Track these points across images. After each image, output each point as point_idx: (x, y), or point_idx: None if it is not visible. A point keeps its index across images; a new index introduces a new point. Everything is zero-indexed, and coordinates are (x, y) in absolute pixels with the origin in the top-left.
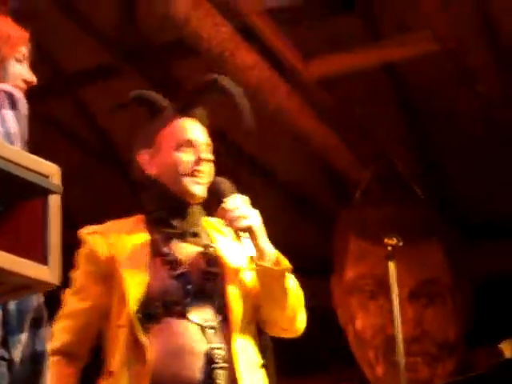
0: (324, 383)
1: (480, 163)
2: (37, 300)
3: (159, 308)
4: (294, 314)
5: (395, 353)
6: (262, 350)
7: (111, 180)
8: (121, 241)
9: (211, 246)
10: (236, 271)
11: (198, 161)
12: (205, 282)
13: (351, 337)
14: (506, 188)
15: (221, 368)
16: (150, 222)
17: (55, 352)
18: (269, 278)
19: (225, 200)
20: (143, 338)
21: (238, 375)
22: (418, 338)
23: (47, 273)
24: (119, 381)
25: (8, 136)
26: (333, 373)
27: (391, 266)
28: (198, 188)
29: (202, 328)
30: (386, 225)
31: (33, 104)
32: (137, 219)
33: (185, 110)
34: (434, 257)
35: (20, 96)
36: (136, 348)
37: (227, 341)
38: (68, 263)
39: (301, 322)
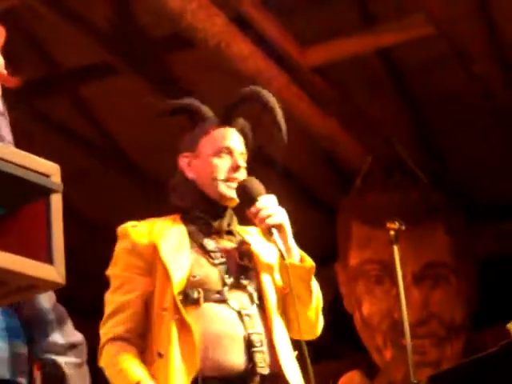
0: (332, 369)
1: (481, 146)
2: (50, 301)
3: (200, 293)
4: (316, 316)
5: (403, 336)
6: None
7: (110, 176)
8: (161, 232)
9: (245, 243)
10: (269, 267)
11: (235, 167)
12: (239, 274)
13: (358, 322)
14: (508, 170)
15: (260, 352)
16: (188, 220)
17: (113, 339)
18: (296, 276)
19: (258, 199)
20: (188, 319)
21: (279, 357)
22: (425, 320)
23: (53, 272)
24: (170, 361)
25: None
26: (340, 359)
27: (395, 249)
28: (233, 192)
29: (240, 314)
30: (389, 209)
31: (29, 101)
32: (174, 217)
33: (226, 120)
34: (438, 239)
35: None
36: (182, 328)
37: (265, 327)
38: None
39: (320, 325)
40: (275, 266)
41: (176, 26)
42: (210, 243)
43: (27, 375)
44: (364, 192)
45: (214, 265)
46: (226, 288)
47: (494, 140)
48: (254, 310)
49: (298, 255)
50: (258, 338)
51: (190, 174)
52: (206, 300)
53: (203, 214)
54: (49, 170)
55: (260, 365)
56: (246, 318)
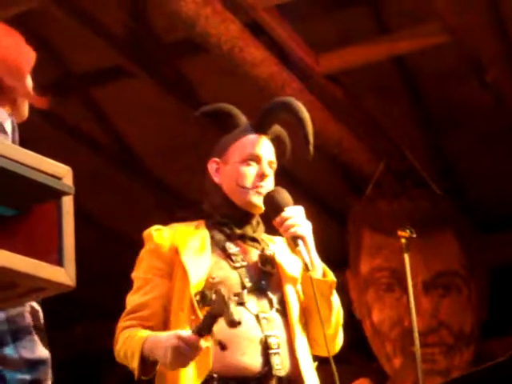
0: (341, 377)
1: (492, 155)
2: (7, 311)
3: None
4: (335, 332)
5: (412, 345)
6: None
7: (121, 179)
8: (184, 235)
9: (268, 250)
10: (292, 278)
11: (261, 175)
12: (260, 280)
13: (368, 330)
14: None
15: (277, 354)
16: (211, 224)
17: (128, 327)
18: (317, 291)
19: (284, 209)
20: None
21: (299, 363)
22: (435, 328)
23: (63, 274)
24: None
25: None
26: (350, 366)
27: (406, 258)
28: (260, 200)
29: (257, 317)
30: (400, 217)
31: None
32: (198, 223)
33: (258, 126)
34: (449, 248)
35: (3, 117)
36: None
37: (286, 331)
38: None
39: (339, 341)
40: (298, 278)
41: (190, 31)
42: (231, 246)
43: None
44: (375, 200)
45: (235, 268)
46: (245, 291)
47: (505, 148)
48: (273, 315)
49: (320, 270)
50: (276, 340)
51: (217, 180)
52: None
53: (227, 219)
54: (60, 172)
55: (276, 367)
56: (263, 321)
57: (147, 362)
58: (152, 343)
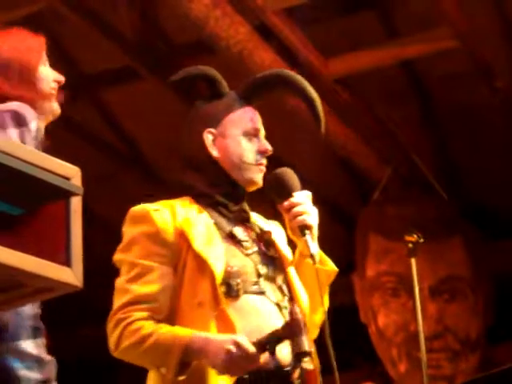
0: (346, 381)
1: (500, 160)
2: (33, 309)
3: (239, 285)
4: (321, 318)
5: (418, 350)
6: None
7: (130, 181)
8: (186, 218)
9: (266, 231)
10: (289, 261)
11: (263, 151)
12: (268, 264)
13: (374, 334)
14: None
15: None
16: (206, 204)
17: (134, 321)
18: (319, 278)
19: (293, 194)
20: (232, 313)
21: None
22: (440, 334)
23: (70, 275)
24: None
25: None
26: (355, 370)
27: (413, 262)
28: (261, 177)
29: (279, 306)
30: (407, 222)
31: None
32: (188, 200)
33: (251, 100)
34: (455, 254)
35: (26, 111)
36: (223, 323)
37: None
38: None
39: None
40: (292, 261)
41: (199, 33)
42: (239, 232)
43: None
44: (382, 204)
45: (247, 255)
46: (262, 279)
47: None
48: (287, 303)
49: (319, 257)
50: None
51: (215, 153)
52: (245, 292)
53: (223, 198)
54: (69, 172)
55: (305, 359)
56: (284, 311)
57: (184, 363)
58: (200, 344)
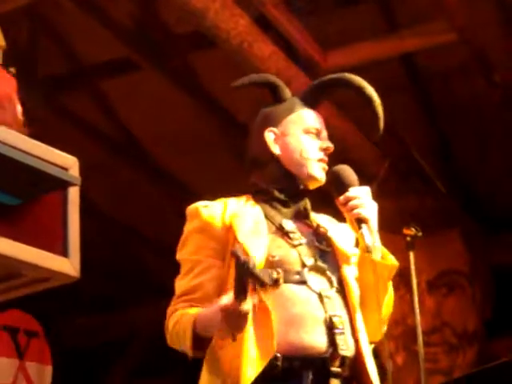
0: None
1: (498, 154)
2: None
3: (280, 273)
4: (385, 317)
5: (415, 343)
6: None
7: (128, 171)
8: (236, 213)
9: (322, 227)
10: (346, 256)
11: (325, 149)
12: (317, 257)
13: None
14: None
15: (341, 334)
16: (263, 200)
17: (179, 309)
18: (377, 273)
19: (349, 189)
20: (267, 301)
21: (360, 343)
22: (438, 328)
23: (67, 265)
24: (244, 344)
25: None
26: None
27: (411, 256)
28: (323, 174)
29: (320, 296)
30: (404, 216)
31: (52, 97)
32: (246, 197)
33: (311, 102)
34: (453, 247)
35: None
36: (259, 311)
37: (347, 312)
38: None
39: (384, 328)
40: (351, 257)
41: (199, 25)
42: (288, 224)
43: None
44: (380, 198)
45: (294, 246)
46: (306, 269)
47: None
48: (333, 294)
49: (379, 252)
50: (340, 320)
51: (276, 150)
52: (286, 281)
53: (281, 193)
54: (67, 162)
55: (342, 347)
56: (326, 300)
57: (199, 339)
58: (205, 319)
